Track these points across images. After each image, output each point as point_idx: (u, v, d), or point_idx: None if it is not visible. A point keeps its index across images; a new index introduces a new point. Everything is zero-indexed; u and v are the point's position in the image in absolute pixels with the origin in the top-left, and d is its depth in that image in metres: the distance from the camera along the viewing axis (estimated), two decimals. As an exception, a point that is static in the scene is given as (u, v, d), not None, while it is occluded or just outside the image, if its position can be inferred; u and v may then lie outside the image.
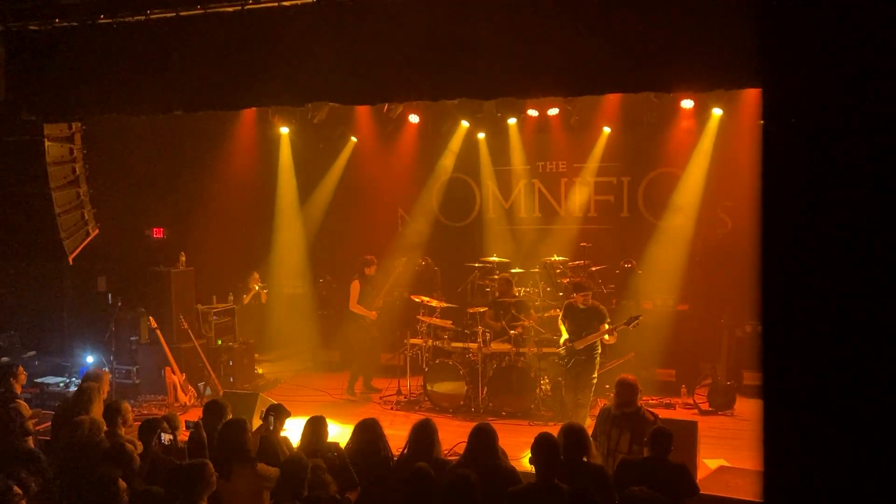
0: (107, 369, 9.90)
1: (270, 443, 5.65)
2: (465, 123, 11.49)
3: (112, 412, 6.04)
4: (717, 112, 10.07)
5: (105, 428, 5.92)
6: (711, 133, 10.41)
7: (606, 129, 11.10)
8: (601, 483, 4.91)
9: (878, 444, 1.65)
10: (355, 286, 10.07)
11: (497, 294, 9.73)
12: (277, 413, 5.93)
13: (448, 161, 12.11)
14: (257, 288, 11.67)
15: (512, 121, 11.25)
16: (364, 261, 10.25)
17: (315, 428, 5.58)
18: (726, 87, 6.92)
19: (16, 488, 4.64)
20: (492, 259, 10.58)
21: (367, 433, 5.53)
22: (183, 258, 10.52)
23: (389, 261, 11.50)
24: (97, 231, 8.71)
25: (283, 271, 12.74)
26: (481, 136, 11.74)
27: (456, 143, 11.89)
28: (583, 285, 8.24)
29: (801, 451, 1.73)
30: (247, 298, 11.62)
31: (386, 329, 10.85)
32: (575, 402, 8.11)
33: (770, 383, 1.76)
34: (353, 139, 12.20)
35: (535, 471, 4.74)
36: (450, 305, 9.93)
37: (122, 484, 4.56)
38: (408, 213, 12.59)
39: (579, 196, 11.58)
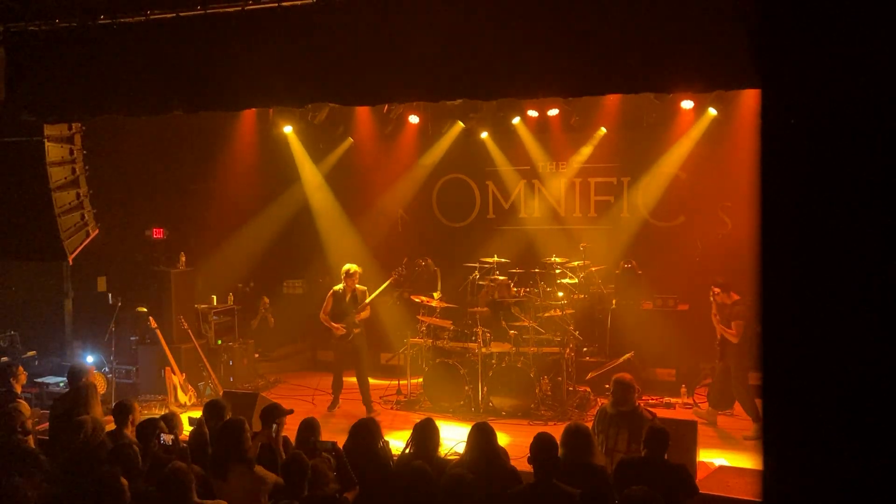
0: (106, 369, 9.95)
1: (272, 451, 5.61)
2: (461, 123, 11.49)
3: (124, 411, 6.02)
4: (712, 111, 10.10)
5: (106, 428, 5.92)
6: (698, 131, 10.47)
7: (603, 130, 11.12)
8: (601, 483, 4.91)
9: (878, 443, 1.65)
10: (328, 296, 9.52)
11: (496, 294, 9.74)
12: (279, 415, 5.91)
13: (448, 161, 12.10)
14: (263, 310, 11.80)
15: (516, 120, 11.24)
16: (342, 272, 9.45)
17: (307, 430, 5.58)
18: (726, 87, 6.91)
19: (19, 488, 4.64)
20: (491, 259, 10.59)
21: (365, 433, 5.53)
22: (183, 258, 10.53)
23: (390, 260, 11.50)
24: (97, 231, 8.71)
25: (283, 271, 12.75)
26: (484, 134, 11.74)
27: (447, 141, 11.83)
28: (718, 282, 8.47)
29: (801, 451, 1.73)
30: (255, 323, 11.72)
31: (386, 329, 10.86)
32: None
33: (770, 383, 1.76)
34: (350, 139, 12.19)
35: (535, 471, 4.74)
36: (450, 305, 9.93)
37: (124, 482, 4.55)
38: (408, 214, 12.59)
39: (566, 190, 11.60)
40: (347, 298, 9.39)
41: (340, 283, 9.44)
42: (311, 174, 12.42)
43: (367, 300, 9.43)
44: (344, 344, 9.40)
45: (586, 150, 11.35)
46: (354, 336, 9.36)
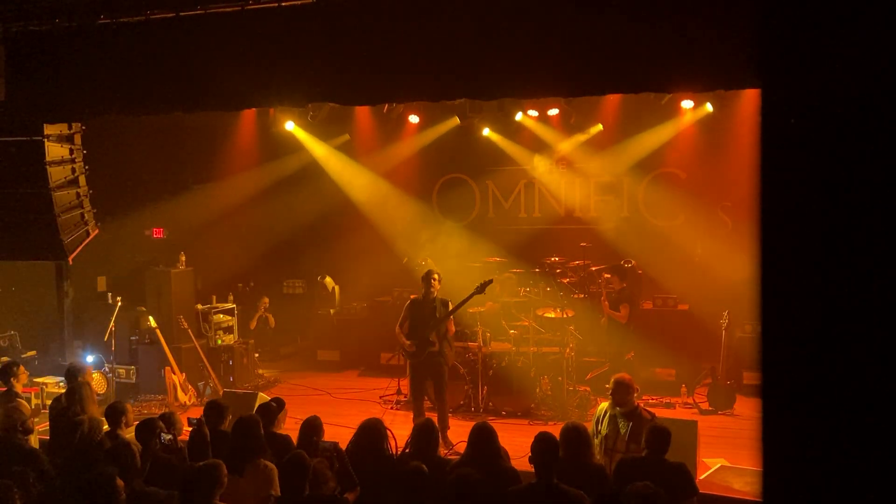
0: (105, 369, 9.95)
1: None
2: (457, 119, 11.49)
3: (117, 413, 6.03)
4: (708, 107, 10.12)
5: (105, 427, 5.92)
6: (691, 123, 10.48)
7: (599, 126, 11.13)
8: (601, 482, 4.91)
9: (878, 443, 1.65)
10: (405, 307, 8.16)
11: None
12: (277, 408, 5.97)
13: (448, 161, 12.10)
14: (263, 310, 11.86)
15: (518, 116, 11.24)
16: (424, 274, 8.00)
17: (310, 429, 5.58)
18: (726, 87, 6.92)
19: (16, 488, 4.64)
20: (492, 259, 10.57)
21: (372, 433, 5.52)
22: (183, 258, 10.53)
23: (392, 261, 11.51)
24: (97, 231, 8.72)
25: (283, 271, 12.75)
26: (486, 131, 11.74)
27: (436, 133, 11.81)
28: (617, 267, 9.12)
29: (800, 451, 1.73)
30: (253, 323, 11.76)
31: (386, 328, 10.85)
32: None
33: (769, 383, 1.76)
34: (347, 136, 12.19)
35: (535, 471, 4.73)
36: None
37: (120, 482, 4.55)
38: (408, 214, 12.58)
39: (579, 193, 11.62)
40: (428, 307, 7.87)
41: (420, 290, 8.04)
42: (324, 163, 12.36)
43: (451, 311, 7.86)
44: (416, 364, 7.93)
45: (586, 149, 11.37)
46: (429, 355, 7.81)
